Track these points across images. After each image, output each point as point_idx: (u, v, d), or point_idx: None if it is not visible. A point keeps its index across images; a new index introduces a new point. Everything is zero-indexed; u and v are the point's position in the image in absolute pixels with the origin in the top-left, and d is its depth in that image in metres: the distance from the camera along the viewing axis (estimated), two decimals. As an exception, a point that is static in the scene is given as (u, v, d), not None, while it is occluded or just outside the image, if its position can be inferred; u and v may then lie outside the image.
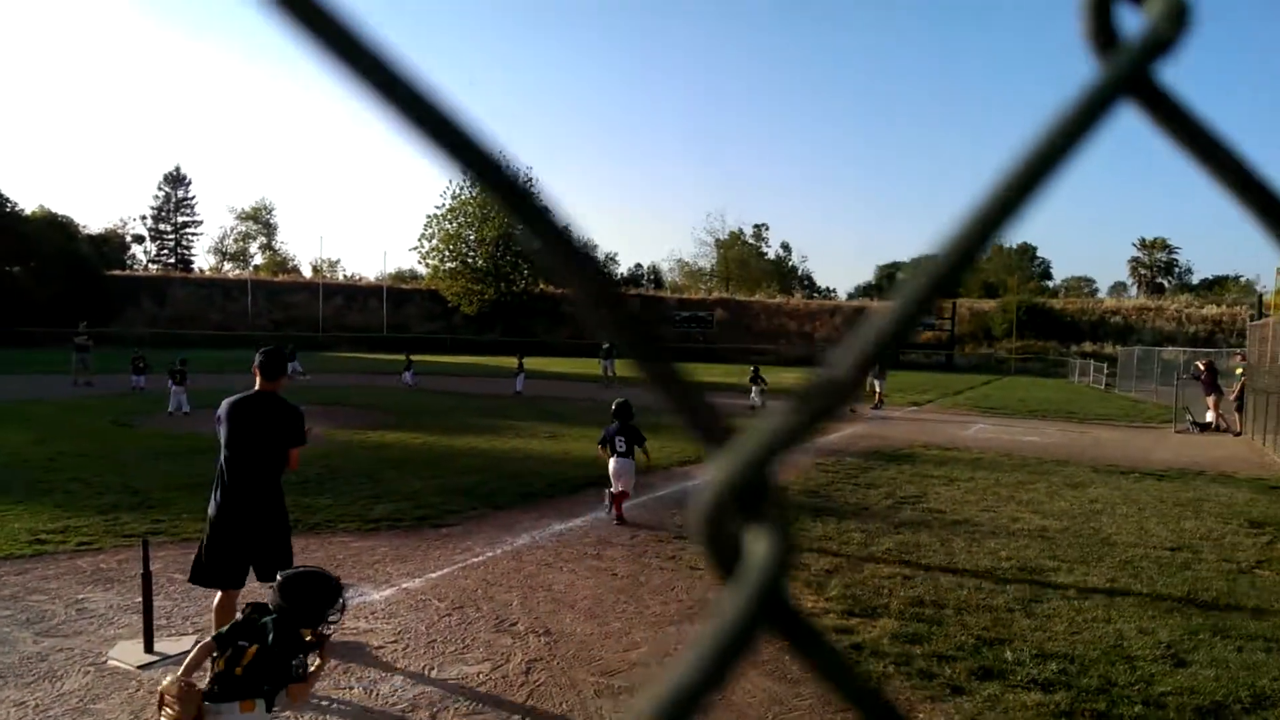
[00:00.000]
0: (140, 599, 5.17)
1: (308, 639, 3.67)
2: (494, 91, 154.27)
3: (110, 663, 4.92)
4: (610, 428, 8.90)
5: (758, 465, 0.32)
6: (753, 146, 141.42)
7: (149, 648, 5.07)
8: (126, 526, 7.84)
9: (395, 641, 5.39)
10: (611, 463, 8.78)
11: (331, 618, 3.69)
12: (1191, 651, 5.44)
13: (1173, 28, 0.36)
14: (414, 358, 29.03)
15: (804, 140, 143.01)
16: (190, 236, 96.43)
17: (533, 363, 26.62)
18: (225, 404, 4.98)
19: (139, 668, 4.88)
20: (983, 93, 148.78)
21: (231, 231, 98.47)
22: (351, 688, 4.73)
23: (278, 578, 3.70)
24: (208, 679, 3.54)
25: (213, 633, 3.69)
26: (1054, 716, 4.51)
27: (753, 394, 20.95)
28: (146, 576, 5.10)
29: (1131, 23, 0.37)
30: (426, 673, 4.93)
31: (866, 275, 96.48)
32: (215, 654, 3.53)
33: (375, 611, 5.85)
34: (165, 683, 3.50)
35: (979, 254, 0.33)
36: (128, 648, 5.10)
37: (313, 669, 3.64)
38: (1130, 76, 0.36)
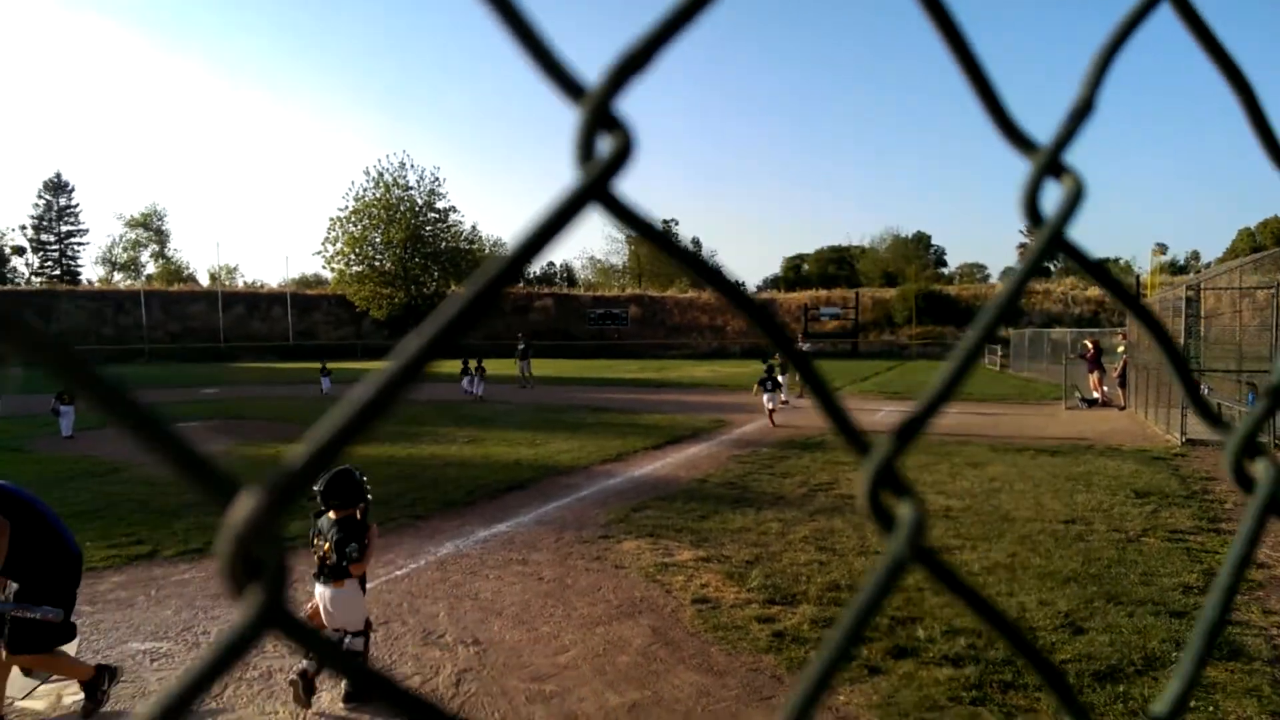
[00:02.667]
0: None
1: (357, 518, 4.78)
2: (405, 81, 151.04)
3: (19, 704, 4.70)
4: (762, 378, 17.35)
5: (890, 458, 0.45)
6: (661, 140, 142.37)
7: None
8: (22, 559, 7.44)
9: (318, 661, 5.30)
10: (764, 396, 17.19)
11: (368, 495, 4.86)
12: (1088, 619, 5.82)
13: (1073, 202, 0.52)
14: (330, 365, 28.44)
15: (711, 133, 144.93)
16: (76, 247, 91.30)
17: (449, 366, 26.15)
18: None
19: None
20: (881, 92, 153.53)
21: (120, 240, 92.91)
22: (276, 711, 4.64)
23: (318, 485, 4.54)
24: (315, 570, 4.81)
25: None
26: (965, 689, 4.77)
27: (476, 382, 24.47)
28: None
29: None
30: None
31: (774, 268, 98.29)
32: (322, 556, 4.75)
33: (297, 632, 5.72)
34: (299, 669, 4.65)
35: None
36: (23, 685, 4.89)
37: (368, 545, 4.78)
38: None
